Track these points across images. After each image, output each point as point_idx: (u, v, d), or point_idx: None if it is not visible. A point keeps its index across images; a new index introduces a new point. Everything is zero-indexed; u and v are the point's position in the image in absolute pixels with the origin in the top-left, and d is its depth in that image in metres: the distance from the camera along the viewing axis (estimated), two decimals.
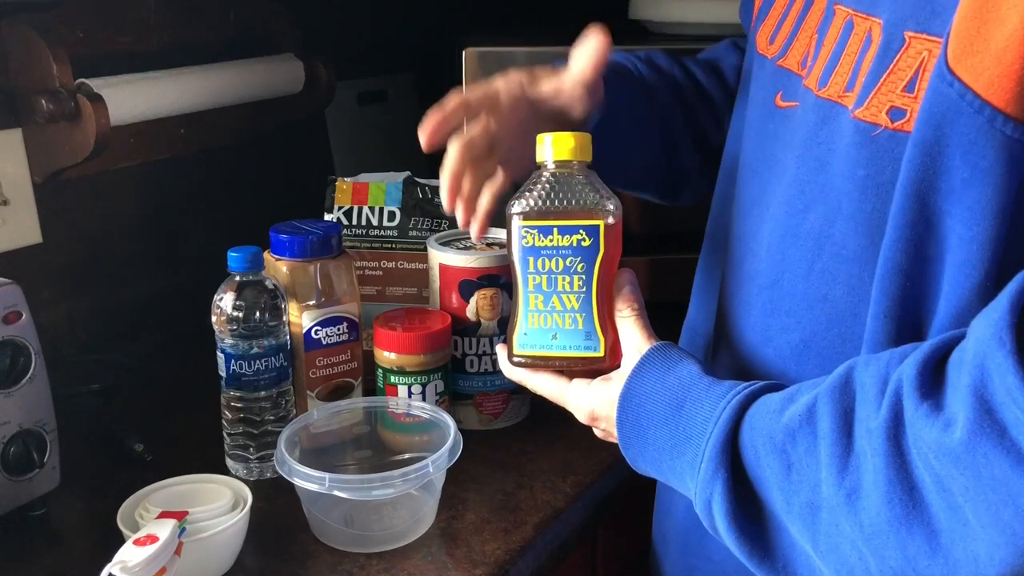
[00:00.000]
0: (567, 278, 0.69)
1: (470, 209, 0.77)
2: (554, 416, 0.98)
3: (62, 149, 1.02)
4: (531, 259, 0.70)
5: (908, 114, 0.55)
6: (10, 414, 0.77)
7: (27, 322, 0.78)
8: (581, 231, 0.68)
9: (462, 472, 0.88)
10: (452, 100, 0.74)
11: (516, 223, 0.70)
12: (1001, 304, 0.47)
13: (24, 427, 0.78)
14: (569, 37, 1.33)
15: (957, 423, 0.47)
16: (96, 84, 1.00)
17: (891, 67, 0.56)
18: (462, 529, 0.81)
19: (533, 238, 0.69)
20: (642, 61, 0.88)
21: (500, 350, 0.76)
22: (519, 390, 0.98)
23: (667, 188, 0.91)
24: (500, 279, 0.94)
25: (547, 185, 0.70)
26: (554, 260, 0.69)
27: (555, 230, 0.69)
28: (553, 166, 0.71)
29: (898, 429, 0.50)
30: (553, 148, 0.70)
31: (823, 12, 0.65)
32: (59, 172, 1.05)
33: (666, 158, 0.87)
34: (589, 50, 0.76)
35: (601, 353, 0.69)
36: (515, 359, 0.72)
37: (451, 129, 0.74)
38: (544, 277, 0.70)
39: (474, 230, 0.78)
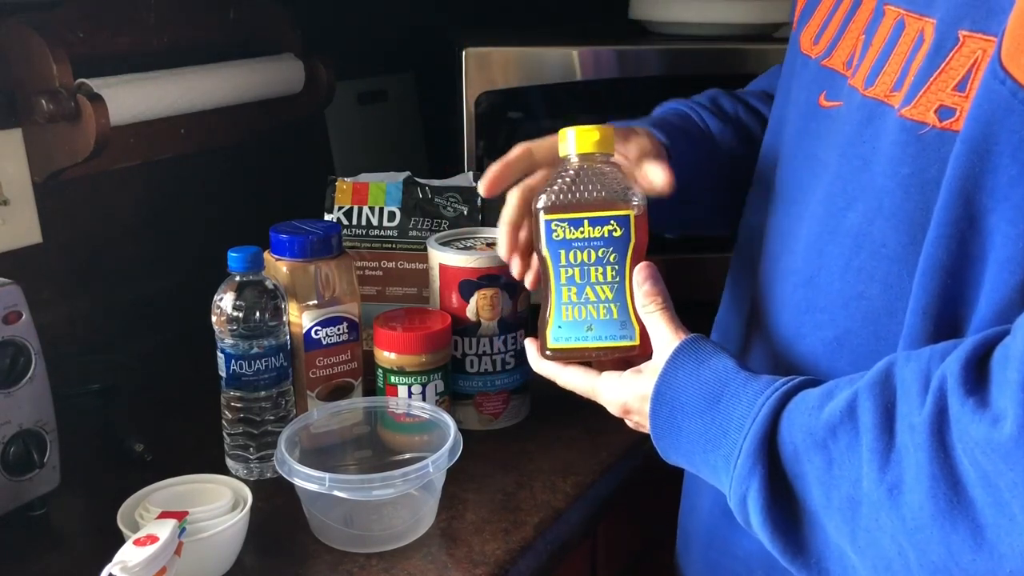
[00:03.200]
0: (600, 269, 0.70)
1: (526, 261, 0.78)
2: (554, 416, 0.99)
3: (62, 149, 1.02)
4: (563, 252, 0.70)
5: (958, 113, 0.55)
6: (10, 414, 0.77)
7: (27, 322, 0.78)
8: (612, 222, 0.69)
9: (462, 472, 0.88)
10: (516, 149, 0.76)
11: (544, 218, 0.70)
12: None
13: (24, 427, 0.78)
14: (569, 37, 1.33)
15: (1006, 419, 0.47)
16: (96, 84, 1.00)
17: (943, 66, 0.56)
18: (462, 529, 0.81)
19: (564, 231, 0.70)
20: (705, 108, 0.88)
21: (529, 345, 0.76)
22: (519, 390, 0.99)
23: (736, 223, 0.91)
24: (500, 279, 0.94)
25: (572, 178, 0.71)
26: (586, 252, 0.70)
27: (586, 222, 0.70)
28: (577, 159, 0.71)
29: (942, 425, 0.50)
30: (576, 141, 0.71)
31: (872, 12, 0.65)
32: (59, 172, 1.05)
33: (732, 197, 0.87)
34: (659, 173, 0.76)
35: (636, 341, 0.70)
36: (549, 352, 0.72)
37: (513, 178, 0.76)
38: (576, 269, 0.70)
39: (529, 280, 0.78)
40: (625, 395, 0.69)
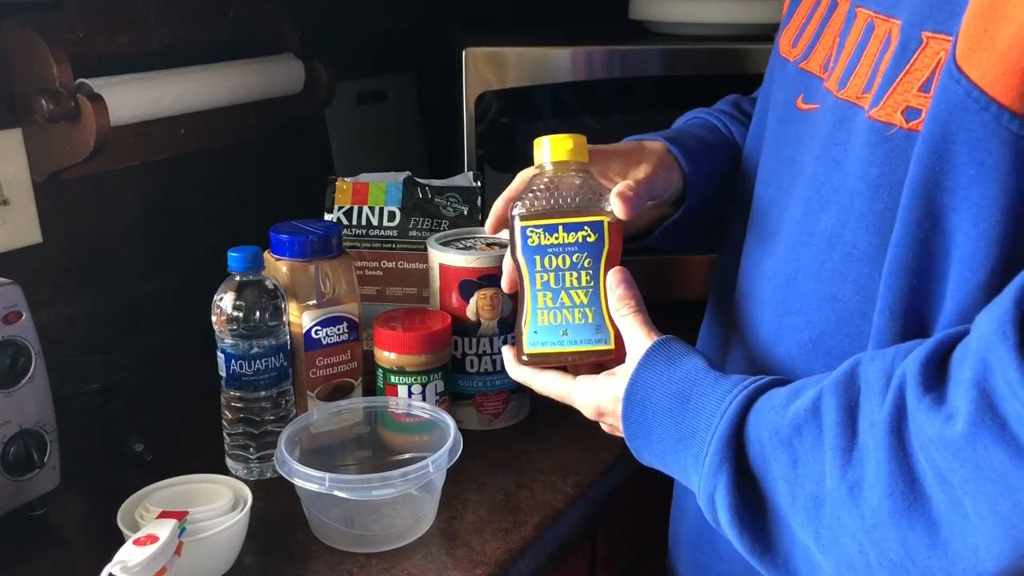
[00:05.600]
0: (575, 274, 0.71)
1: None
2: (554, 416, 0.99)
3: (62, 149, 1.02)
4: (538, 257, 0.71)
5: (923, 114, 0.55)
6: (10, 414, 0.77)
7: (27, 322, 0.78)
8: (586, 227, 0.70)
9: (462, 472, 0.88)
10: (517, 180, 0.77)
11: (520, 224, 0.72)
12: (1005, 299, 0.48)
13: (24, 427, 0.78)
14: (569, 37, 1.33)
15: (959, 416, 0.47)
16: (96, 84, 1.00)
17: (908, 67, 0.57)
18: (462, 529, 0.82)
19: (539, 237, 0.71)
20: (727, 114, 0.88)
21: (506, 351, 0.76)
22: (519, 390, 0.99)
23: None
24: (500, 279, 0.93)
25: (547, 186, 0.72)
26: (561, 257, 0.71)
27: (560, 228, 0.70)
28: (551, 168, 0.73)
29: (901, 423, 0.51)
30: (551, 150, 0.72)
31: (845, 15, 0.65)
32: (59, 172, 1.05)
33: None
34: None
35: (612, 345, 0.71)
36: (525, 358, 0.73)
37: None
38: (552, 274, 0.71)
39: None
40: (598, 398, 0.70)
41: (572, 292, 0.71)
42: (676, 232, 0.83)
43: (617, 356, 0.71)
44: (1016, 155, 0.51)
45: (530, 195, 0.72)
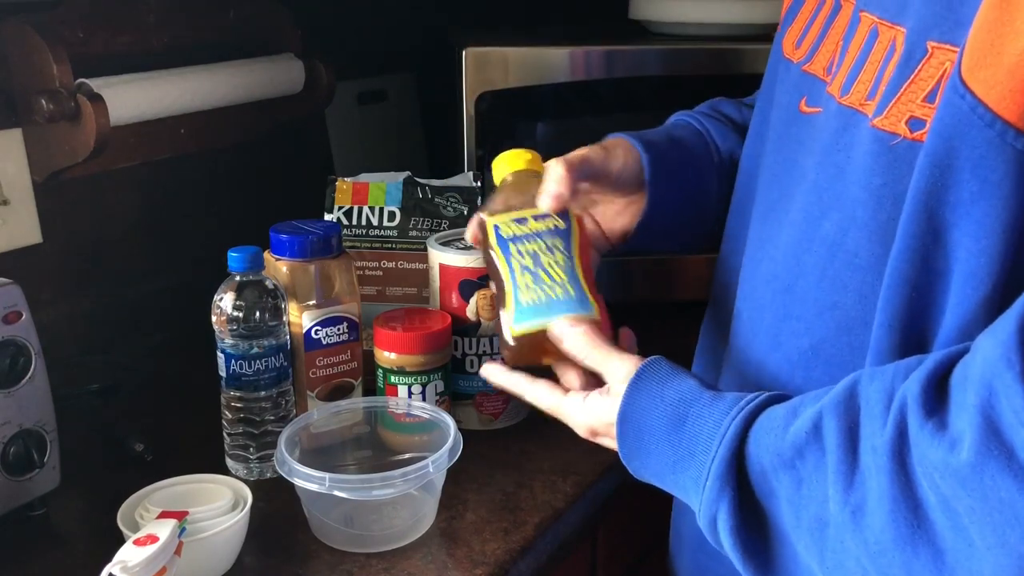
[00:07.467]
0: (551, 255, 0.73)
1: None
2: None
3: (62, 149, 1.02)
4: (512, 245, 0.74)
5: (927, 124, 0.55)
6: (10, 414, 0.77)
7: (27, 322, 0.78)
8: (553, 215, 0.74)
9: (462, 472, 0.88)
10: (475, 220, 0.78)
11: (491, 221, 0.74)
12: (1008, 323, 0.47)
13: (24, 427, 0.78)
14: (569, 37, 1.33)
15: (963, 443, 0.47)
16: (96, 84, 1.00)
17: (912, 76, 0.56)
18: (462, 529, 0.82)
19: (511, 229, 0.74)
20: (706, 115, 0.89)
21: (489, 367, 0.76)
22: None
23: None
24: None
25: (511, 190, 0.76)
26: (535, 242, 0.73)
27: (530, 218, 0.74)
28: (512, 178, 0.77)
29: (903, 447, 0.50)
30: (509, 162, 0.78)
31: (849, 19, 0.65)
32: (59, 172, 1.05)
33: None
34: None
35: (596, 315, 0.71)
36: (514, 343, 0.72)
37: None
38: (529, 258, 0.73)
39: None
40: (590, 418, 0.69)
41: (551, 270, 0.72)
42: (651, 224, 0.83)
43: (604, 329, 0.71)
44: (1020, 173, 0.50)
45: (498, 199, 0.76)
